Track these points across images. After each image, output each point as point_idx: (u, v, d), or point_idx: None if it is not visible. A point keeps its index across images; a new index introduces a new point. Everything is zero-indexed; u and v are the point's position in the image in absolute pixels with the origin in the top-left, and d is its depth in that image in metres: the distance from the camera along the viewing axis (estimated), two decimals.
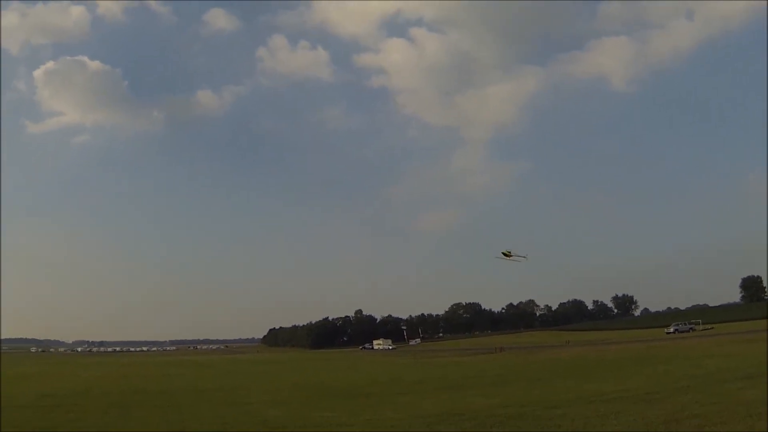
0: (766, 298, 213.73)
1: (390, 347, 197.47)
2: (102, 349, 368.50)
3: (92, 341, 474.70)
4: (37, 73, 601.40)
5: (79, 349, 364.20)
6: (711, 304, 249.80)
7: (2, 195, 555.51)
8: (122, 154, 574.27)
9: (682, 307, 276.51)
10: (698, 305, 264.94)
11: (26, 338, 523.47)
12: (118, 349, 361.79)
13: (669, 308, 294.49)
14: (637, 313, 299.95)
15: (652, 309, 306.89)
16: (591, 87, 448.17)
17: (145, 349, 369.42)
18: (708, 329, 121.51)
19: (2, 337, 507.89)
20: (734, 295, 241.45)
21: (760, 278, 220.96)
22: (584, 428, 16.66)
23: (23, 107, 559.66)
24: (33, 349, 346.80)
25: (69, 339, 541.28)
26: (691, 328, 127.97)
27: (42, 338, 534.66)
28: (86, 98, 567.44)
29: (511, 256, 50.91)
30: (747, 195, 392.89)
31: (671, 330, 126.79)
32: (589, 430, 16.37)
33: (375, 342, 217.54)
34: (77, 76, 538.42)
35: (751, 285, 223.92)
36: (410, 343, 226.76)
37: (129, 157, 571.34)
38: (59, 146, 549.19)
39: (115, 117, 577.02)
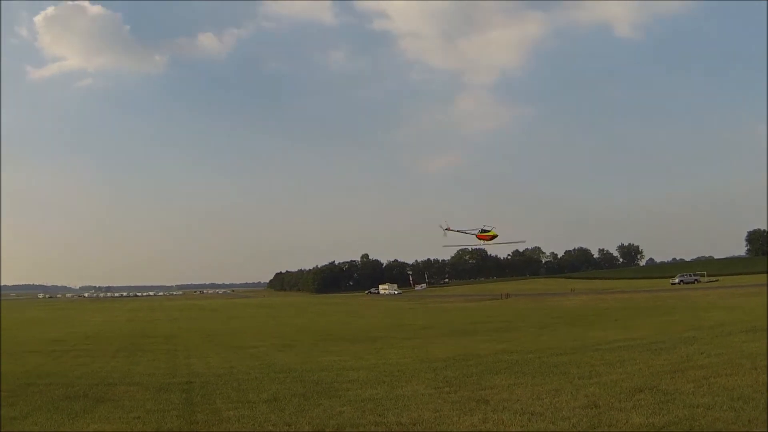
0: None
1: (396, 292, 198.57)
2: (109, 294, 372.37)
3: (99, 286, 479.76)
4: (38, 18, 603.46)
5: (86, 295, 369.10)
6: (716, 257, 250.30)
7: (5, 140, 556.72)
8: (126, 97, 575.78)
9: (688, 259, 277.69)
10: (703, 257, 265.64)
11: (33, 284, 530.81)
12: (125, 294, 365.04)
13: (674, 259, 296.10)
14: (642, 262, 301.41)
15: (658, 259, 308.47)
16: (595, 33, 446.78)
17: (151, 293, 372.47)
18: (713, 281, 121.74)
19: (10, 284, 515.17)
20: (740, 249, 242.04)
21: (766, 232, 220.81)
22: (590, 375, 16.85)
23: (25, 53, 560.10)
24: (40, 296, 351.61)
25: (76, 285, 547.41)
26: (696, 280, 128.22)
27: (49, 284, 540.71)
28: (88, 43, 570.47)
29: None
30: (756, 148, 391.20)
31: (676, 281, 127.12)
32: (595, 376, 16.56)
33: (381, 287, 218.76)
34: (78, 21, 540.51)
35: (756, 238, 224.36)
36: (416, 288, 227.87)
37: (133, 100, 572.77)
38: (62, 91, 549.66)
39: (117, 61, 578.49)
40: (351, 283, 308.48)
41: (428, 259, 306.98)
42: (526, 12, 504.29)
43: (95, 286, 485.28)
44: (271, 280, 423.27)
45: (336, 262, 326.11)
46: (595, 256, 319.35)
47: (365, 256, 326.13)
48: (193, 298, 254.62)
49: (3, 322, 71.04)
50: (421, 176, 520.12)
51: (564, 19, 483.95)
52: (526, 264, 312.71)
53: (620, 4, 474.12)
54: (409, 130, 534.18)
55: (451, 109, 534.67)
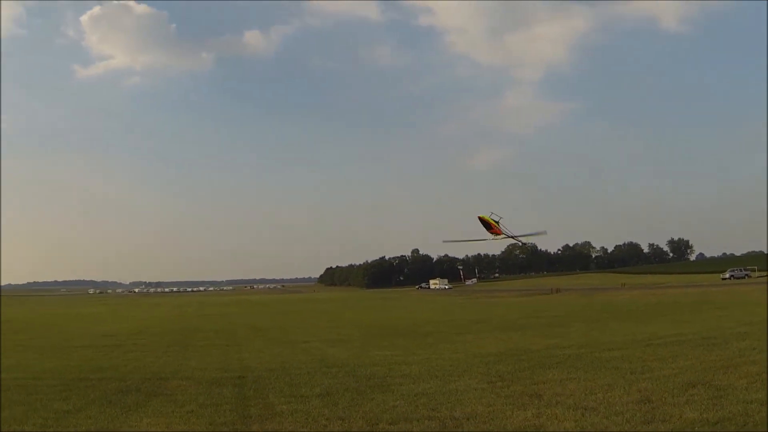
0: None
1: (446, 287, 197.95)
2: (159, 289, 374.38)
3: (149, 282, 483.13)
4: (84, 18, 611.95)
5: (137, 290, 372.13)
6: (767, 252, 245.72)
7: (56, 140, 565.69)
8: (173, 95, 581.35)
9: (738, 253, 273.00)
10: (754, 252, 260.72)
11: (84, 280, 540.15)
12: (175, 289, 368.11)
13: (724, 254, 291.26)
14: (692, 257, 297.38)
15: (708, 254, 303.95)
16: (642, 26, 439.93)
17: (202, 289, 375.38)
18: (764, 276, 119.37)
19: (60, 280, 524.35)
20: None
21: None
22: (643, 370, 16.80)
23: (72, 52, 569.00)
24: (91, 291, 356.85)
25: (126, 280, 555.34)
26: (746, 275, 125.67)
27: (99, 280, 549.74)
28: (134, 41, 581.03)
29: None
30: None
31: (727, 276, 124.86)
32: (647, 371, 16.52)
33: (431, 281, 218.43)
34: (124, 20, 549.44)
35: None
36: (466, 283, 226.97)
37: (180, 97, 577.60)
38: (111, 88, 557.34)
39: (164, 59, 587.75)
40: (401, 278, 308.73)
41: (479, 254, 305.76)
42: (571, 7, 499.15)
43: (145, 282, 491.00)
44: (321, 275, 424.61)
45: (386, 258, 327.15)
46: (645, 251, 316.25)
47: (415, 251, 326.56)
48: (243, 294, 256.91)
49: (52, 317, 72.71)
50: (470, 171, 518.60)
51: (610, 13, 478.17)
52: (576, 259, 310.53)
53: None
54: (457, 125, 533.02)
55: (499, 104, 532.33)
